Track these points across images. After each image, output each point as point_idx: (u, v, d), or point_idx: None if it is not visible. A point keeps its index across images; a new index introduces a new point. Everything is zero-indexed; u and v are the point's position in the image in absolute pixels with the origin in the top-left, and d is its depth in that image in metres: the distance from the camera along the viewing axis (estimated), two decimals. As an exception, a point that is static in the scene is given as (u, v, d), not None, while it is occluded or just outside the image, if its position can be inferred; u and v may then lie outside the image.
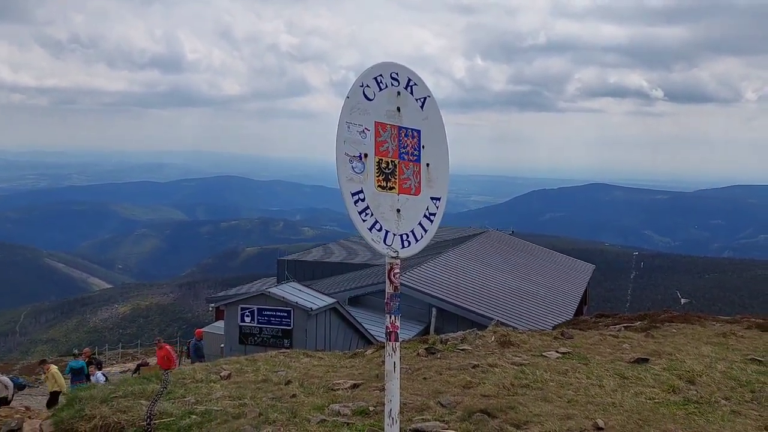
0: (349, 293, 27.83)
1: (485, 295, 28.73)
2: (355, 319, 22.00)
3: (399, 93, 4.08)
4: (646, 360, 8.25)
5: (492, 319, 19.60)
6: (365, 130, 3.86)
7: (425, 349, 9.43)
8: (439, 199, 4.33)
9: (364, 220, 3.84)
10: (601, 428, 5.52)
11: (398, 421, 3.88)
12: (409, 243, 4.10)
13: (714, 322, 11.80)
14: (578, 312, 30.78)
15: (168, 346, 20.09)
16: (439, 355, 9.08)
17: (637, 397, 6.67)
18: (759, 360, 8.40)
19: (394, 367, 3.85)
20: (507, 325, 15.86)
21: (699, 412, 6.22)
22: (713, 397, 6.69)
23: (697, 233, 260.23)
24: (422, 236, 4.19)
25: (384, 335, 4.16)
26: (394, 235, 4.00)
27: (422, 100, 4.23)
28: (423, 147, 4.21)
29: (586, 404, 6.33)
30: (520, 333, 10.74)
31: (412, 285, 26.36)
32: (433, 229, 4.25)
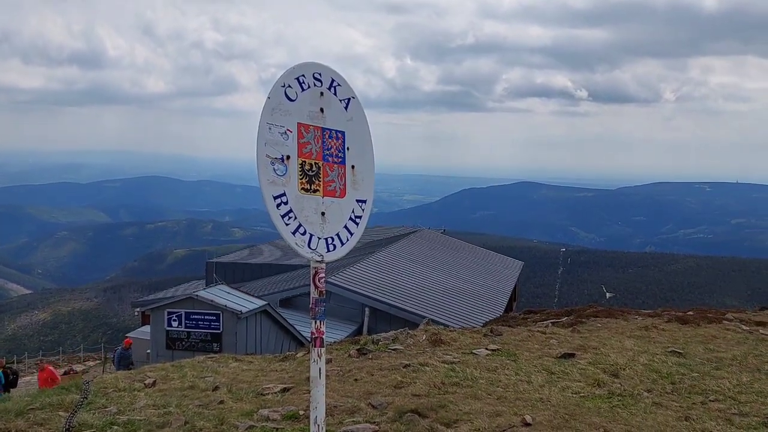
0: (280, 295, 27.49)
1: (418, 294, 28.94)
2: (286, 321, 21.76)
3: (322, 94, 4.00)
4: (572, 355, 8.44)
5: (424, 317, 19.73)
6: (287, 132, 3.77)
7: (357, 350, 9.38)
8: (365, 201, 4.27)
9: (287, 224, 3.75)
10: (529, 424, 5.59)
11: (324, 428, 3.81)
12: (335, 247, 4.03)
13: (636, 316, 12.19)
14: (508, 308, 31.40)
15: (50, 367, 18.62)
16: (370, 356, 9.04)
17: (563, 392, 6.82)
18: (679, 352, 8.72)
19: (320, 374, 3.78)
20: (439, 323, 15.98)
21: (623, 404, 6.41)
22: (636, 390, 6.91)
23: (621, 229, 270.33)
24: (348, 239, 4.12)
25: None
26: (319, 238, 3.92)
27: (346, 101, 4.16)
28: (348, 149, 4.14)
29: (515, 400, 6.42)
30: (450, 331, 10.82)
31: (344, 285, 26.27)
32: (359, 232, 4.18)
